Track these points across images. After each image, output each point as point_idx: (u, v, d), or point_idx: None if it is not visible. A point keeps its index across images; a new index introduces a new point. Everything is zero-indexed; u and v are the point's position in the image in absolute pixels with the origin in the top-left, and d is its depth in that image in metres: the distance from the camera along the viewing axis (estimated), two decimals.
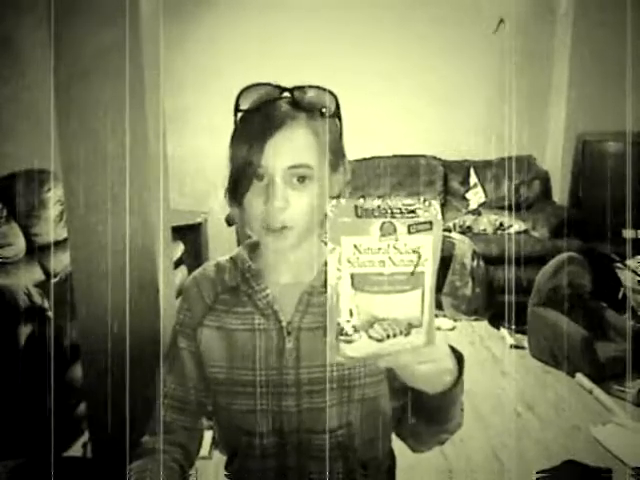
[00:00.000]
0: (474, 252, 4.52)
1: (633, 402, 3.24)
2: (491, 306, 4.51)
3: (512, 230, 4.84)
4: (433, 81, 5.40)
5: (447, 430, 1.07)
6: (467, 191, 5.38)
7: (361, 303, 0.82)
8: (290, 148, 0.98)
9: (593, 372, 3.43)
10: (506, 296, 4.20)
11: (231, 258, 1.18)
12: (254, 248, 1.17)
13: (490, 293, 4.53)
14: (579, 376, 3.47)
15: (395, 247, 0.81)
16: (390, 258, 0.81)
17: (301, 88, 1.02)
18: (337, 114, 1.05)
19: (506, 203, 5.13)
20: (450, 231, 4.87)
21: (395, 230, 0.81)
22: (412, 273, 0.81)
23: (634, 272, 3.91)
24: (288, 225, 0.99)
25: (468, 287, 4.50)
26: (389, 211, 0.82)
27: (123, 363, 1.96)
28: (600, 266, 4.07)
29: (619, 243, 4.18)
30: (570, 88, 5.22)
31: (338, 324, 0.82)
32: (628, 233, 4.24)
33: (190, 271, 4.49)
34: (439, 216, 0.83)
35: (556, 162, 5.47)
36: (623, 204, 4.05)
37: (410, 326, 0.83)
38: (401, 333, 0.83)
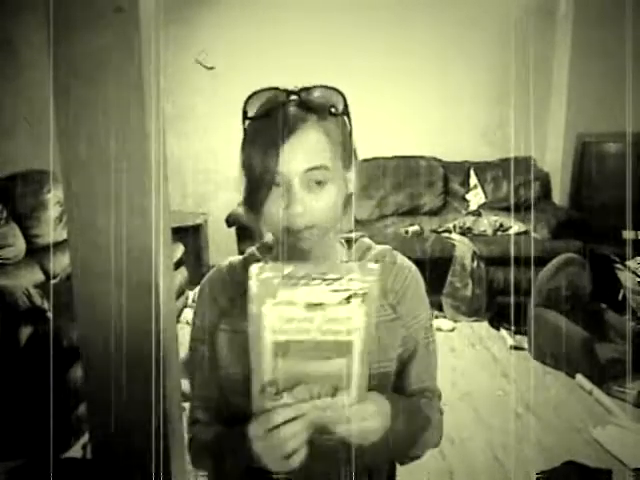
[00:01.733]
0: (474, 253, 4.52)
1: (633, 403, 3.24)
2: (491, 307, 4.51)
3: (512, 231, 4.84)
4: (433, 83, 5.41)
5: (418, 457, 1.15)
6: (467, 192, 5.38)
7: (283, 366, 0.83)
8: (305, 151, 0.97)
9: (593, 373, 3.43)
10: (511, 297, 4.20)
11: (244, 259, 1.18)
12: (268, 250, 1.17)
13: (490, 294, 4.53)
14: (579, 377, 3.47)
15: (321, 315, 0.81)
16: (316, 327, 0.81)
17: (308, 89, 1.01)
18: (346, 112, 1.04)
19: (511, 203, 5.14)
20: (450, 232, 4.87)
21: (323, 305, 0.81)
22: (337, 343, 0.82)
23: (634, 273, 3.91)
24: (309, 225, 0.98)
25: (468, 288, 4.50)
26: (316, 278, 0.81)
27: (123, 364, 1.95)
28: (600, 267, 4.08)
29: (619, 244, 4.18)
30: (570, 89, 5.23)
31: (262, 385, 0.84)
32: (628, 234, 4.24)
33: (190, 272, 4.49)
34: (374, 285, 0.82)
35: (556, 163, 5.47)
36: (623, 205, 4.06)
37: (336, 389, 0.85)
38: (326, 395, 0.85)
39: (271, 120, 0.99)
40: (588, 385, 3.38)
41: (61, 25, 1.65)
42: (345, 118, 1.05)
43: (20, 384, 2.59)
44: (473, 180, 5.36)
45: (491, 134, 5.44)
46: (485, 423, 3.10)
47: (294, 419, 0.86)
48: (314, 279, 0.81)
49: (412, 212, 5.33)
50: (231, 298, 1.13)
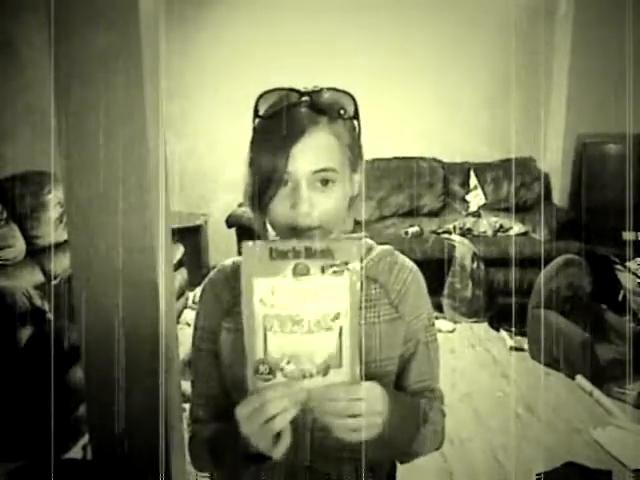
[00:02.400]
0: (474, 254, 4.52)
1: (633, 404, 3.24)
2: (491, 308, 4.51)
3: (512, 232, 4.85)
4: (433, 83, 5.41)
5: (417, 454, 1.13)
6: (467, 193, 5.38)
7: (274, 343, 0.84)
8: (314, 153, 0.98)
9: (593, 374, 3.43)
10: (511, 298, 4.20)
11: None
12: None
13: (490, 295, 4.53)
14: (579, 378, 3.47)
15: (309, 289, 0.83)
16: (303, 300, 0.83)
17: (319, 91, 1.02)
18: (356, 115, 1.05)
19: (511, 204, 5.14)
20: (450, 233, 4.88)
21: (308, 271, 0.82)
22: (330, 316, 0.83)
23: (634, 274, 3.91)
24: (315, 225, 0.99)
25: (468, 289, 4.50)
26: (303, 252, 0.83)
27: (123, 365, 1.95)
28: (600, 268, 4.08)
29: (619, 245, 4.18)
30: (570, 90, 5.23)
31: (255, 362, 0.84)
32: (628, 235, 4.25)
33: (190, 273, 4.49)
34: (357, 256, 0.84)
35: (556, 164, 5.47)
36: (623, 206, 4.06)
37: (328, 367, 0.85)
38: (318, 373, 0.85)
39: (282, 120, 0.99)
40: (588, 386, 3.38)
41: (62, 25, 1.66)
42: (354, 121, 1.06)
43: (20, 385, 2.59)
44: (473, 181, 5.36)
45: (491, 135, 5.44)
46: (485, 424, 3.10)
47: (281, 397, 0.85)
48: (301, 251, 0.83)
49: (412, 213, 5.33)
50: (234, 296, 1.12)
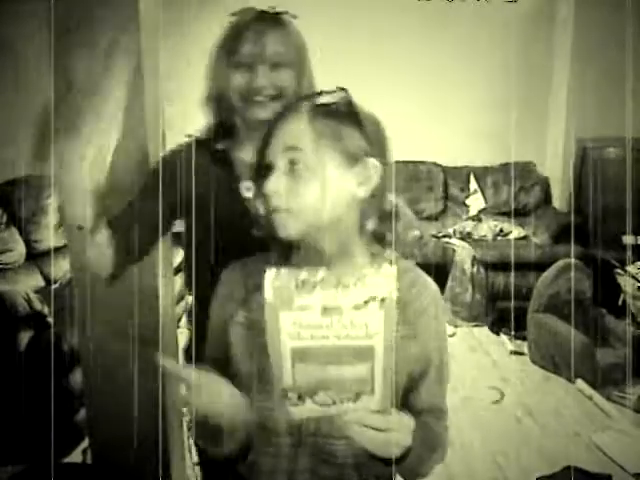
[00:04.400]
0: (474, 258, 4.52)
1: (633, 408, 3.23)
2: (491, 312, 4.51)
3: (512, 236, 4.85)
4: (433, 87, 5.41)
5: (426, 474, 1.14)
6: (467, 197, 5.39)
7: (304, 373, 0.83)
8: (287, 132, 1.03)
9: (593, 378, 3.42)
10: (511, 303, 4.20)
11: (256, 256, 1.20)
12: (287, 248, 1.17)
13: (490, 299, 4.53)
14: (579, 382, 3.47)
15: (340, 322, 0.80)
16: (334, 332, 0.81)
17: (316, 94, 1.07)
18: (353, 113, 1.06)
19: (512, 208, 5.15)
20: (450, 237, 4.88)
21: (340, 311, 0.80)
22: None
23: (634, 278, 3.91)
24: (282, 207, 1.02)
25: (468, 293, 4.50)
26: (332, 282, 0.80)
27: (123, 368, 1.95)
28: (600, 272, 4.08)
29: (619, 249, 4.18)
30: (570, 93, 5.23)
31: (283, 389, 0.84)
32: (628, 239, 4.25)
33: None
34: (392, 288, 0.81)
35: (556, 168, 5.47)
36: (623, 210, 4.06)
37: (358, 395, 0.84)
38: (348, 400, 0.84)
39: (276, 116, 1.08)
40: (588, 390, 3.38)
41: (62, 25, 1.66)
42: (350, 115, 1.06)
43: (20, 389, 2.59)
44: (473, 185, 5.36)
45: (491, 139, 5.44)
46: (485, 428, 3.10)
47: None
48: (329, 283, 0.80)
49: None
50: (247, 292, 1.14)
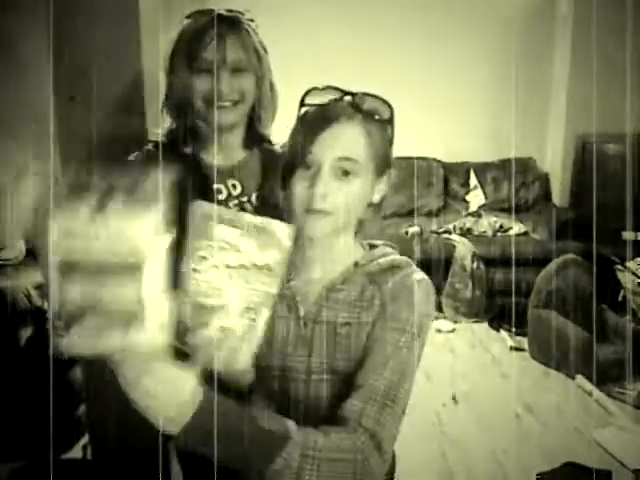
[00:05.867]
0: (474, 254, 4.51)
1: (633, 404, 3.24)
2: (491, 308, 4.51)
3: (512, 232, 4.84)
4: (434, 84, 5.40)
5: None
6: (467, 193, 5.38)
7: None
8: (341, 141, 1.05)
9: (593, 374, 3.42)
10: (511, 298, 4.20)
11: None
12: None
13: (490, 295, 4.52)
14: (579, 378, 3.47)
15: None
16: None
17: (363, 94, 1.10)
18: (390, 121, 1.13)
19: (512, 204, 5.14)
20: (450, 233, 4.87)
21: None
22: None
23: (634, 274, 3.90)
24: (328, 210, 1.04)
25: (468, 289, 4.49)
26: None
27: None
28: (600, 268, 4.07)
29: (619, 245, 4.17)
30: (570, 89, 5.23)
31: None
32: (628, 235, 4.25)
33: None
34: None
35: (556, 164, 5.47)
36: (623, 206, 4.06)
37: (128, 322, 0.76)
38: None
39: (322, 110, 1.08)
40: (588, 386, 3.38)
41: (62, 25, 1.66)
42: (389, 127, 1.14)
43: (20, 385, 2.59)
44: (473, 181, 5.36)
45: (491, 135, 5.44)
46: (485, 424, 3.10)
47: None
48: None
49: (412, 213, 5.32)
50: None
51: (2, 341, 2.61)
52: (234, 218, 0.86)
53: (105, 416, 2.10)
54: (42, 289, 3.00)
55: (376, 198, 1.15)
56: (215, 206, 0.88)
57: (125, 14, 1.66)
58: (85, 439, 2.65)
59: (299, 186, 1.06)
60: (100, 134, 1.76)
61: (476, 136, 5.46)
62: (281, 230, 0.88)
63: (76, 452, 2.70)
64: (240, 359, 0.88)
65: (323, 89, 1.10)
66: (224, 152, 1.47)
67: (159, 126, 1.55)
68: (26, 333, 2.64)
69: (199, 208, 0.87)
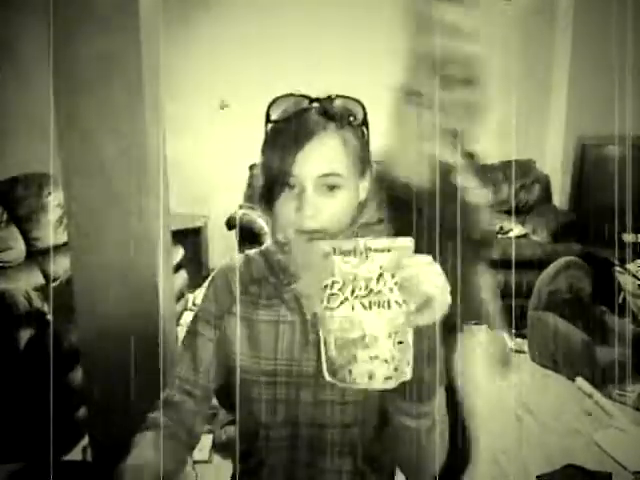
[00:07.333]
0: None
1: (633, 406, 3.24)
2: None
3: (512, 234, 4.84)
4: None
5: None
6: None
7: None
8: (321, 157, 1.00)
9: (593, 376, 3.42)
10: (511, 300, 4.19)
11: (261, 251, 1.22)
12: (284, 246, 1.18)
13: None
14: (579, 380, 3.47)
15: None
16: None
17: (329, 98, 1.05)
18: (365, 123, 1.09)
19: (512, 206, 5.14)
20: None
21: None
22: None
23: (634, 276, 3.90)
24: (319, 229, 1.01)
25: None
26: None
27: (123, 366, 1.95)
28: (600, 270, 4.07)
29: (619, 247, 4.17)
30: (570, 91, 5.23)
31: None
32: (628, 237, 4.24)
33: (190, 275, 4.49)
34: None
35: (556, 166, 5.47)
36: (623, 208, 4.06)
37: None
38: None
39: (292, 124, 1.02)
40: (588, 388, 3.38)
41: (62, 26, 1.66)
42: (363, 128, 1.09)
43: (20, 387, 2.59)
44: None
45: (491, 137, 5.43)
46: (485, 426, 3.09)
47: None
48: None
49: None
50: (245, 286, 1.17)
51: (2, 343, 2.60)
52: (352, 246, 0.85)
53: (105, 418, 2.10)
54: (42, 291, 3.00)
55: (362, 196, 1.13)
56: (332, 240, 0.89)
57: (125, 14, 1.65)
58: (85, 441, 2.65)
59: (285, 208, 1.02)
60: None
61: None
62: (405, 244, 0.85)
63: (76, 454, 2.70)
64: (399, 378, 0.87)
65: (286, 96, 1.05)
66: None
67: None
68: (26, 335, 2.64)
69: (317, 247, 0.87)
